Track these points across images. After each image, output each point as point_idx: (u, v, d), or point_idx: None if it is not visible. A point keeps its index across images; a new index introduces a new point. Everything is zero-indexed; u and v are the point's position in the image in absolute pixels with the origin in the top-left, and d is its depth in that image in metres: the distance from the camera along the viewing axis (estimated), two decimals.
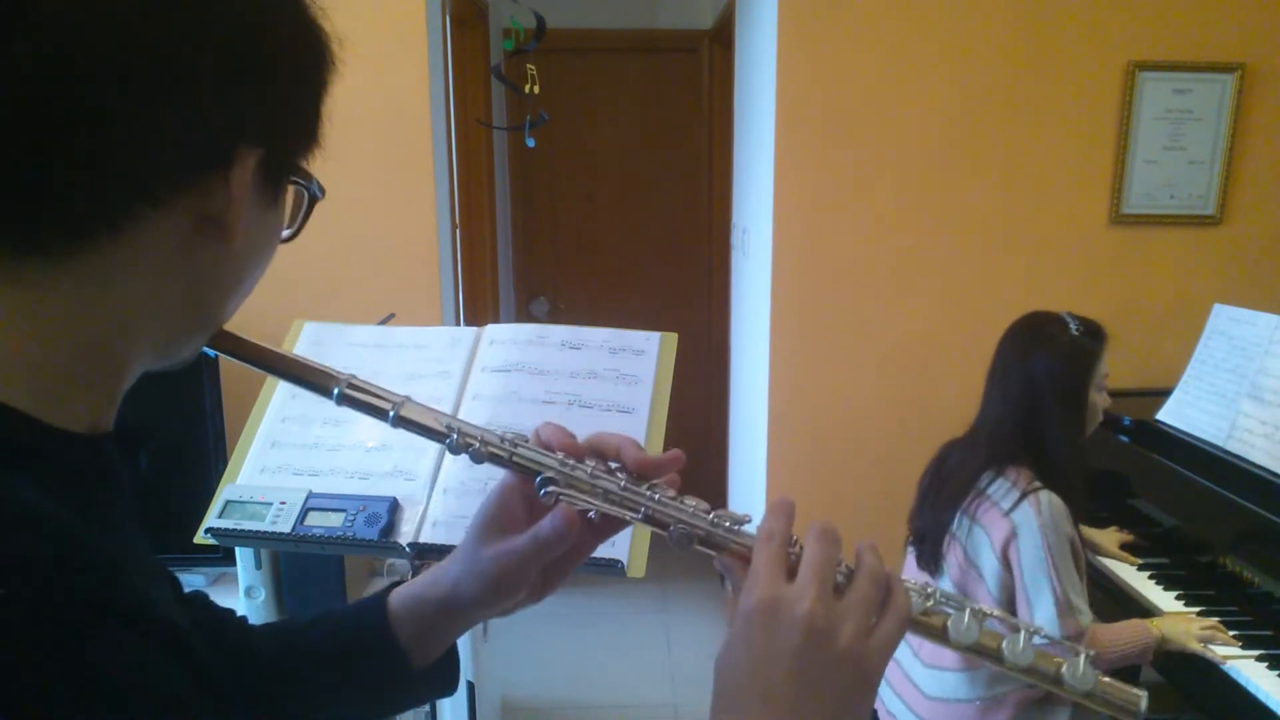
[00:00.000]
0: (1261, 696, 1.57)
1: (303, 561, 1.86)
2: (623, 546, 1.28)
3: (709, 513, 0.59)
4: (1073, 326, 1.73)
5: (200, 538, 1.37)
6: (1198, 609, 1.81)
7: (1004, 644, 0.56)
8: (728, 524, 0.59)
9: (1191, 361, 2.13)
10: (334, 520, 1.35)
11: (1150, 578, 1.94)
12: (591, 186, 4.02)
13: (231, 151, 0.47)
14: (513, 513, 0.64)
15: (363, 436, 1.43)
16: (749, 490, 2.94)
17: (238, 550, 1.88)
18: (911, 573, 1.87)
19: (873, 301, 2.55)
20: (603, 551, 1.28)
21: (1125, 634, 1.69)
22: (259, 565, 1.86)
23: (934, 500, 1.79)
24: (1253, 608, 1.76)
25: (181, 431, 2.12)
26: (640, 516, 0.59)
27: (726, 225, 3.55)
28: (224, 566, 1.96)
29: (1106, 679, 0.56)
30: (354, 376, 0.62)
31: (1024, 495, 1.64)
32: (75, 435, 0.47)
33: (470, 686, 2.23)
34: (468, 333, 1.51)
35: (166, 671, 0.40)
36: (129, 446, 2.14)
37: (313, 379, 0.61)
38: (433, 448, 1.41)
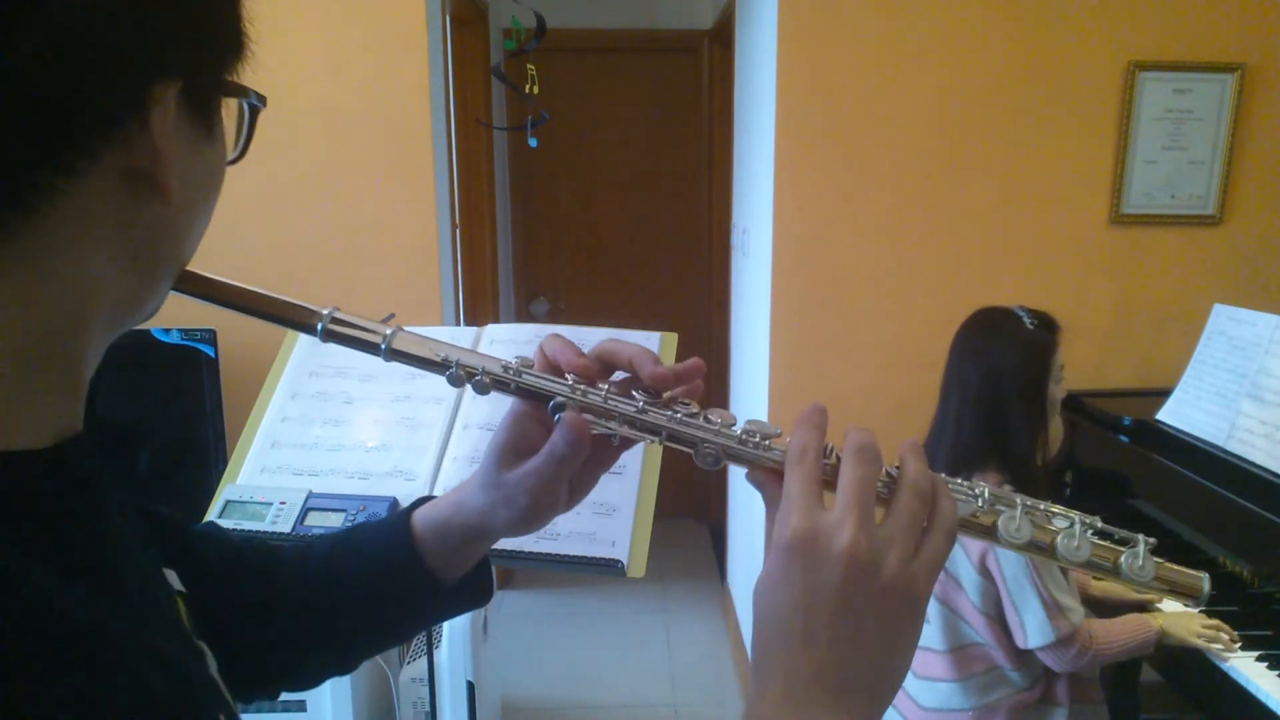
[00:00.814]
0: (1261, 696, 1.57)
1: None
2: (623, 547, 1.28)
3: (735, 427, 0.55)
4: (1026, 320, 1.71)
5: None
6: (1198, 609, 1.81)
7: (1059, 540, 0.53)
8: (758, 438, 0.55)
9: (1191, 361, 2.13)
10: (334, 520, 1.35)
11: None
12: (591, 186, 4.02)
13: (145, 92, 0.40)
14: (529, 439, 0.61)
15: (363, 436, 1.43)
16: (749, 490, 2.94)
17: None
18: None
19: (873, 301, 2.55)
20: (603, 551, 1.29)
21: (1126, 628, 1.68)
22: None
23: None
24: (1253, 608, 1.76)
25: (181, 431, 2.13)
26: (663, 439, 0.56)
27: (726, 225, 3.55)
28: None
29: (1166, 565, 0.54)
30: (337, 309, 0.57)
31: None
32: (39, 454, 0.41)
33: (470, 686, 2.24)
34: (468, 333, 1.51)
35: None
36: (129, 446, 2.15)
37: (293, 316, 0.56)
38: (433, 447, 1.41)
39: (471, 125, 3.21)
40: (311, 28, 2.32)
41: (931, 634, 1.73)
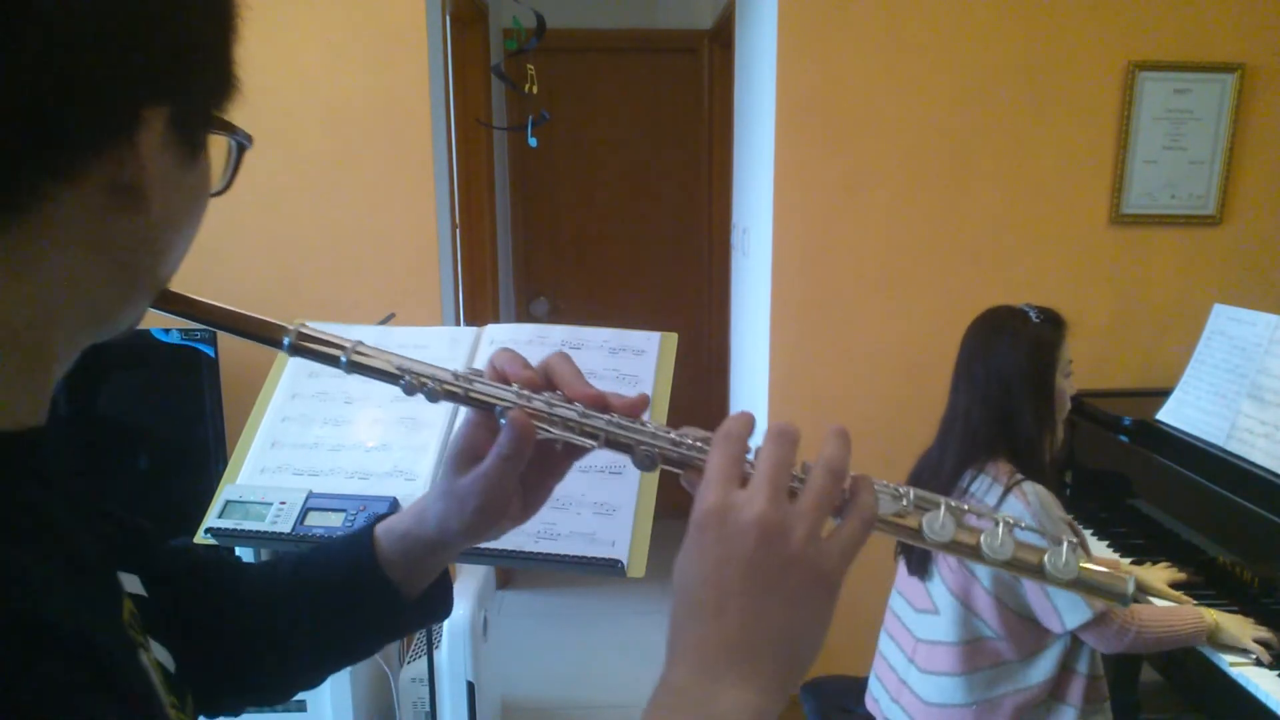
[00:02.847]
0: (1262, 697, 1.57)
1: None
2: (623, 547, 1.28)
3: (670, 433, 0.58)
4: (1032, 315, 1.75)
5: (200, 538, 1.37)
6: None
7: (982, 539, 0.55)
8: (691, 440, 0.57)
9: (1191, 361, 2.13)
10: (334, 520, 1.35)
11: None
12: (591, 186, 4.02)
13: (135, 114, 0.44)
14: (480, 446, 0.63)
15: (363, 436, 1.43)
16: None
17: (238, 550, 1.88)
18: (903, 580, 1.88)
19: (872, 301, 2.55)
20: (603, 551, 1.29)
21: (1177, 615, 1.70)
22: None
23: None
24: (1253, 608, 1.76)
25: (181, 431, 2.13)
26: (601, 442, 0.59)
27: (726, 225, 3.55)
28: None
29: (1090, 565, 0.55)
30: (305, 324, 0.61)
31: (1008, 489, 1.65)
32: None
33: (470, 686, 2.23)
34: (468, 333, 1.51)
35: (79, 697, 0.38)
36: (129, 446, 2.15)
37: (261, 331, 0.60)
38: (432, 447, 1.41)
39: (471, 125, 3.21)
40: (311, 28, 2.31)
41: (943, 627, 1.73)
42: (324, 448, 1.43)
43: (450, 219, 2.67)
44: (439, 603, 0.72)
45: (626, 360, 1.41)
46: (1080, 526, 1.72)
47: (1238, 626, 1.71)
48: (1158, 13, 2.41)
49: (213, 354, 2.07)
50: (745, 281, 3.04)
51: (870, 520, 0.53)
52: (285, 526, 1.35)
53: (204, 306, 0.58)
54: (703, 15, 3.85)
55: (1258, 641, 1.69)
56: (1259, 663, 1.65)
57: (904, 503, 0.55)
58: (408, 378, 0.61)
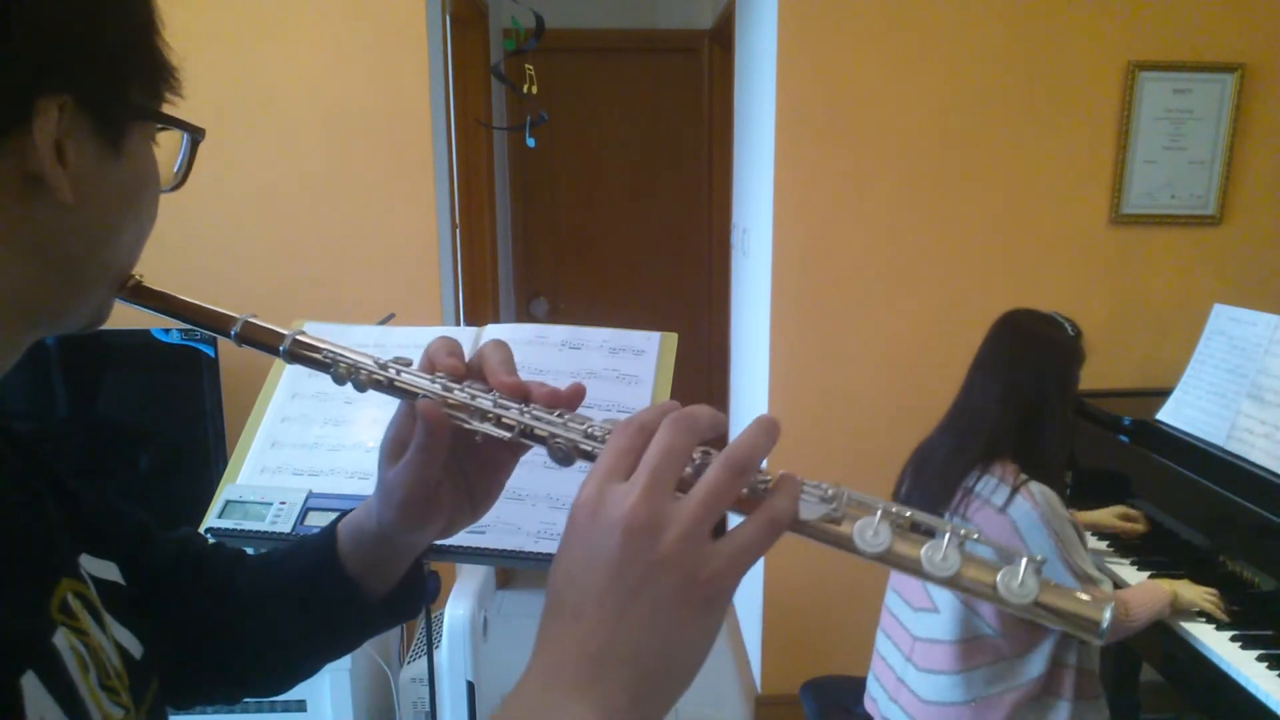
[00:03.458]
0: (1261, 696, 1.57)
1: None
2: None
3: (586, 424, 0.54)
4: (1069, 327, 1.78)
5: None
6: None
7: (923, 551, 0.46)
8: (600, 434, 0.53)
9: (1191, 361, 2.13)
10: None
11: (1151, 576, 1.94)
12: (591, 186, 4.02)
13: (28, 103, 0.43)
14: (408, 437, 0.61)
15: (363, 436, 1.43)
16: None
17: None
18: (898, 577, 1.88)
19: (873, 301, 2.55)
20: None
21: (1148, 595, 1.75)
22: None
23: (920, 500, 1.80)
24: (1253, 608, 1.76)
25: (181, 431, 2.13)
26: (516, 434, 0.56)
27: (726, 225, 3.55)
28: None
29: (1055, 586, 0.46)
30: (253, 316, 0.61)
31: (1015, 489, 1.67)
32: None
33: (470, 686, 2.23)
34: (468, 333, 1.51)
35: None
36: (129, 446, 2.15)
37: (210, 321, 0.61)
38: None
39: (471, 125, 3.21)
40: (311, 28, 2.31)
41: (941, 625, 1.73)
42: (324, 447, 1.43)
43: (450, 219, 2.67)
44: (405, 603, 0.70)
45: (626, 360, 1.41)
46: (1080, 525, 1.74)
47: (1191, 591, 1.78)
48: (1158, 13, 2.41)
49: (213, 354, 2.07)
50: (745, 281, 3.04)
51: (779, 524, 0.46)
52: (285, 526, 1.35)
53: (165, 299, 0.58)
54: (703, 15, 3.85)
55: (1209, 602, 1.76)
56: (1262, 660, 1.65)
57: (833, 506, 0.47)
58: (337, 367, 0.61)
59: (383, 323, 1.83)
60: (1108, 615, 0.45)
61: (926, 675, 1.76)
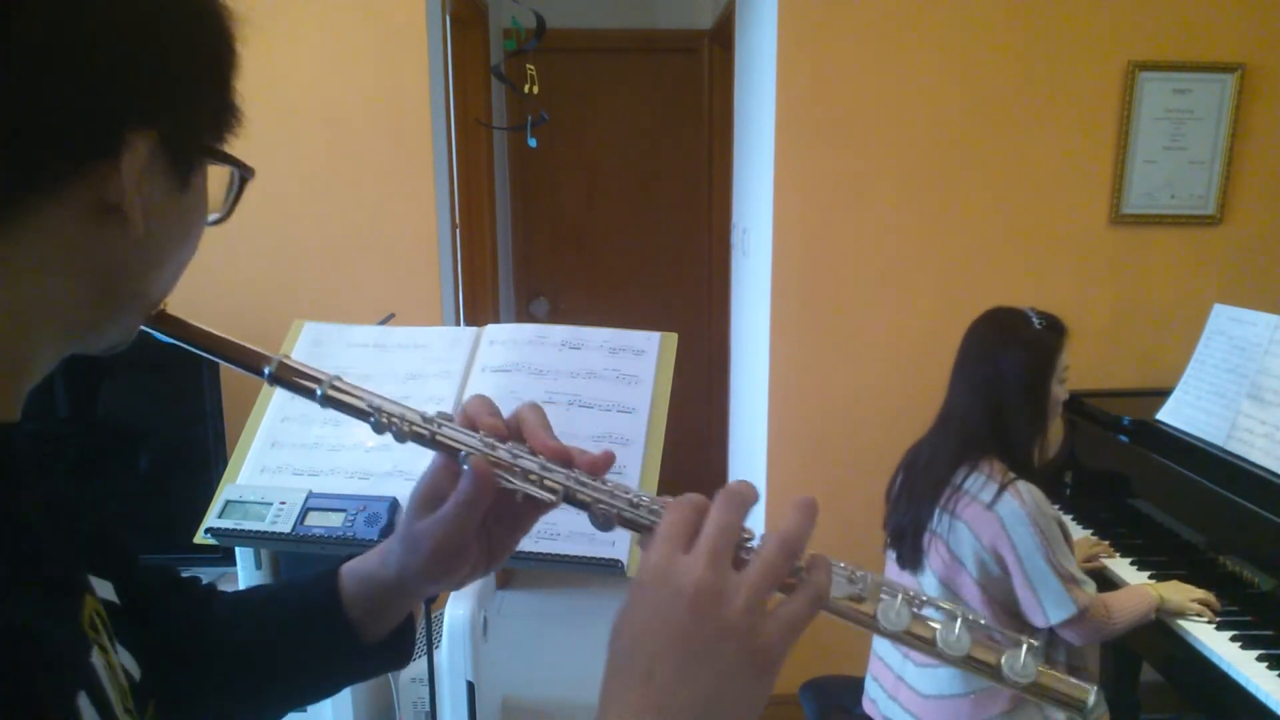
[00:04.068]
0: (1261, 696, 1.57)
1: (303, 562, 1.86)
2: (622, 546, 1.28)
3: (629, 494, 0.58)
4: (1035, 321, 1.78)
5: (200, 538, 1.37)
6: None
7: (938, 633, 0.52)
8: (649, 504, 0.57)
9: (1191, 361, 2.13)
10: (334, 520, 1.35)
11: (1150, 576, 1.94)
12: (591, 186, 4.02)
13: (119, 136, 0.45)
14: (442, 491, 0.63)
15: (363, 436, 1.43)
16: None
17: (238, 550, 1.88)
18: (893, 575, 1.88)
19: (873, 301, 2.55)
20: (603, 551, 1.29)
21: (1132, 599, 1.76)
22: (259, 565, 1.87)
23: (908, 498, 1.83)
24: (1253, 608, 1.76)
25: (181, 431, 2.13)
26: (560, 498, 0.59)
27: (726, 225, 3.55)
28: (224, 566, 1.96)
29: (1049, 671, 0.52)
30: (287, 356, 0.61)
31: (1003, 487, 1.68)
32: None
33: (470, 686, 2.23)
34: (468, 333, 1.51)
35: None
36: (129, 446, 2.15)
37: (244, 359, 0.61)
38: None
39: (472, 125, 3.21)
40: (311, 28, 2.31)
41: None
42: (324, 447, 1.43)
43: (450, 219, 2.67)
44: (399, 650, 0.72)
45: (626, 360, 1.41)
46: (1069, 525, 1.75)
47: (1177, 593, 1.78)
48: (1158, 13, 2.41)
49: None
50: (745, 281, 3.04)
51: (819, 600, 0.51)
52: (285, 526, 1.35)
53: (193, 330, 0.59)
54: (703, 15, 3.85)
55: (1198, 602, 1.76)
56: (1262, 660, 1.65)
57: (859, 587, 0.53)
58: (376, 415, 0.61)
59: (383, 322, 1.83)
60: (1093, 698, 0.52)
61: (925, 670, 1.77)
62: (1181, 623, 1.77)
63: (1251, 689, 1.59)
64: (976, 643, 0.53)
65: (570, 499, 0.58)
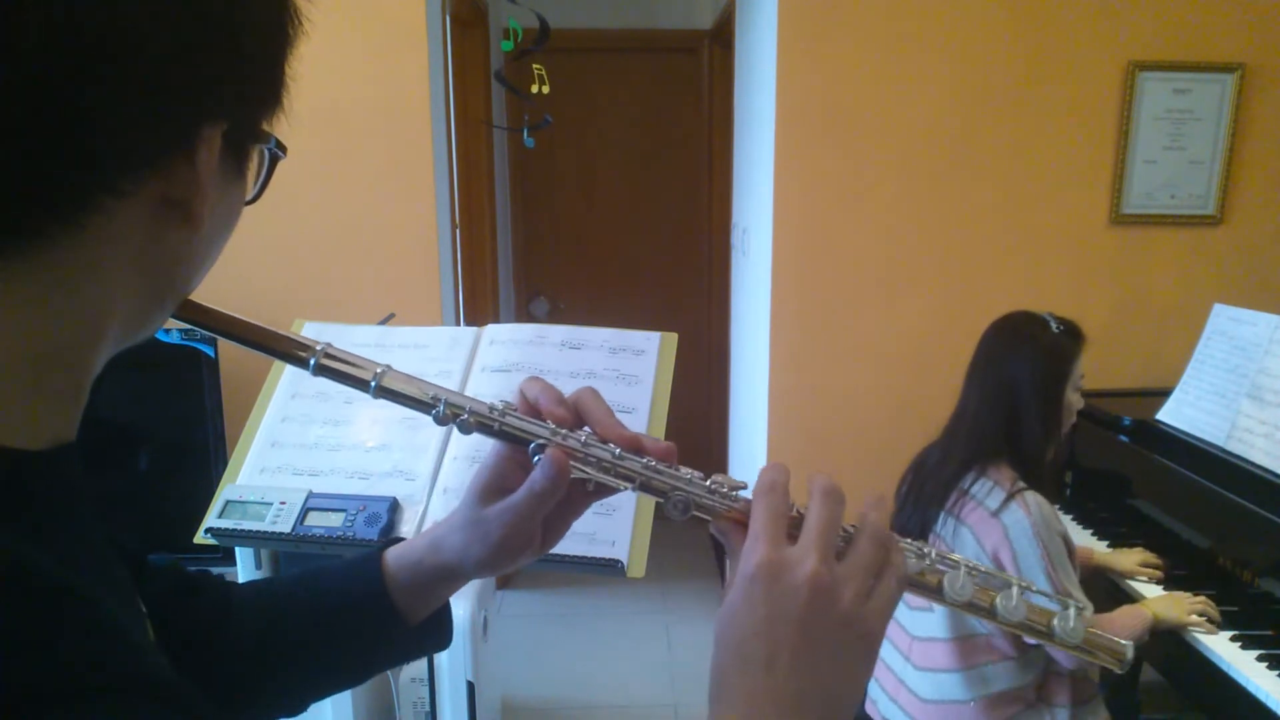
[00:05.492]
0: (1261, 696, 1.57)
1: (303, 562, 1.86)
2: (623, 547, 1.28)
3: (705, 479, 0.59)
4: (1053, 325, 1.77)
5: (200, 538, 1.37)
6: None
7: (998, 600, 0.57)
8: (725, 489, 0.58)
9: (1191, 361, 2.13)
10: (334, 520, 1.35)
11: (1150, 577, 1.94)
12: (591, 186, 4.02)
13: (196, 131, 0.43)
14: (508, 480, 0.63)
15: (363, 436, 1.43)
16: (748, 491, 2.94)
17: (238, 550, 1.88)
18: None
19: (873, 301, 2.55)
20: (603, 551, 1.29)
21: (1125, 621, 1.73)
22: (259, 565, 1.87)
23: (915, 500, 1.82)
24: (1253, 608, 1.76)
25: (181, 431, 2.13)
26: (635, 486, 0.59)
27: (726, 225, 3.55)
28: (224, 566, 1.96)
29: (1094, 630, 0.57)
30: (330, 345, 0.59)
31: (1011, 496, 1.67)
32: (34, 455, 0.42)
33: (470, 686, 2.23)
34: (468, 333, 1.51)
35: None
36: (129, 446, 2.15)
37: (286, 349, 0.58)
38: (433, 447, 1.41)
39: (472, 125, 3.21)
40: (312, 28, 2.31)
41: (935, 623, 1.74)
42: (324, 447, 1.43)
43: (450, 219, 2.67)
44: (437, 633, 0.72)
45: (626, 360, 1.41)
46: (1073, 525, 1.74)
47: (1172, 609, 1.76)
48: (1158, 13, 2.41)
49: (213, 354, 2.07)
50: (745, 281, 3.04)
51: (904, 580, 0.55)
52: (285, 526, 1.35)
53: (221, 317, 0.57)
54: (703, 15, 3.85)
55: (1195, 613, 1.74)
56: (1262, 660, 1.65)
57: (926, 562, 0.58)
58: (441, 406, 0.59)
59: (383, 323, 1.83)
60: (1129, 654, 0.58)
61: (925, 674, 1.77)
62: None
63: (1251, 689, 1.59)
64: (1031, 608, 0.57)
65: (646, 487, 0.59)
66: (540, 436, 0.59)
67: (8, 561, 0.36)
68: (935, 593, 0.57)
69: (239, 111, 0.46)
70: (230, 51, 0.44)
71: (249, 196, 0.53)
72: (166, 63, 0.41)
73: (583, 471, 0.59)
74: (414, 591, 0.68)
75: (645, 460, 0.59)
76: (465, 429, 0.60)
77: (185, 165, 0.43)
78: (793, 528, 0.54)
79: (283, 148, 0.53)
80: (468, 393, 1.44)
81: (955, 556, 0.58)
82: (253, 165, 0.51)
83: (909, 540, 0.58)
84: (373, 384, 0.59)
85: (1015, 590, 0.57)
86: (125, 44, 0.39)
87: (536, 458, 0.59)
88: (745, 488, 0.58)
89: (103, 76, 0.39)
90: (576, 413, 0.62)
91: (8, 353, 0.41)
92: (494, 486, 0.63)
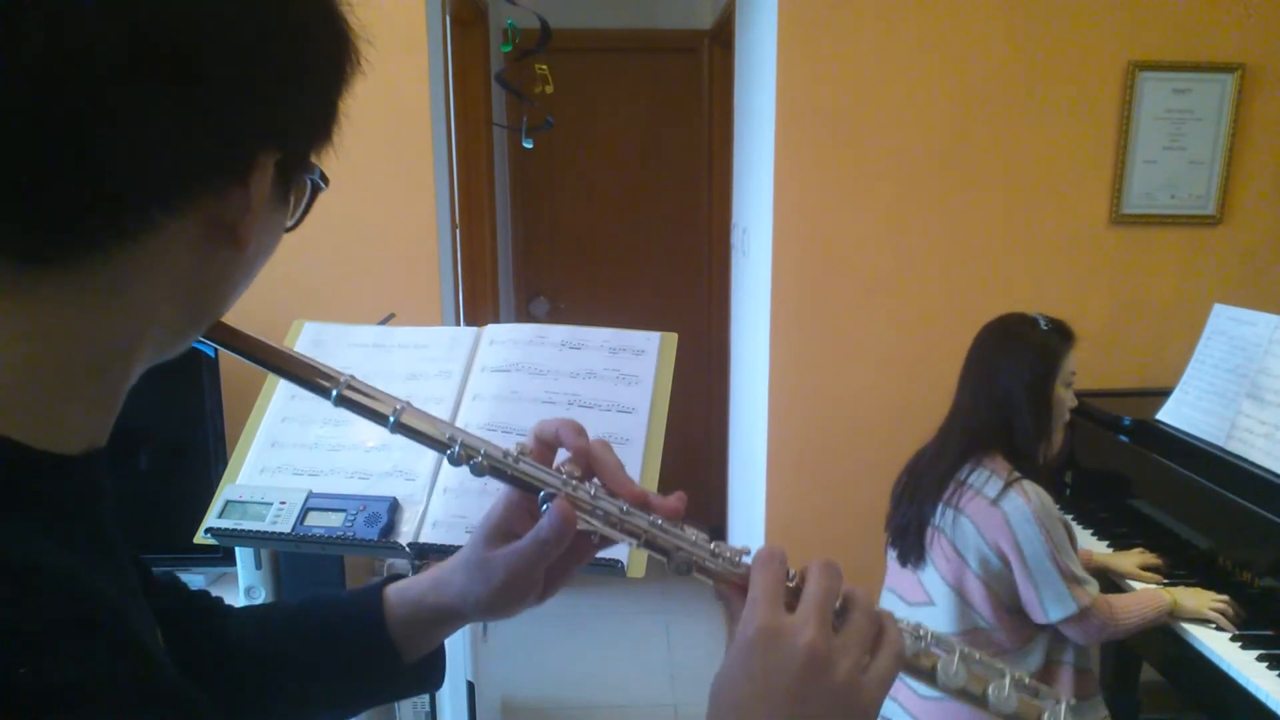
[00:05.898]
0: (1261, 696, 1.57)
1: (303, 562, 1.86)
2: (622, 547, 1.28)
3: (709, 543, 0.60)
4: (1041, 324, 1.80)
5: (200, 538, 1.37)
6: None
7: (990, 689, 0.58)
8: (728, 554, 0.59)
9: (1191, 361, 2.13)
10: (334, 520, 1.35)
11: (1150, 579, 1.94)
12: (591, 186, 4.02)
13: (252, 158, 0.45)
14: (515, 525, 0.64)
15: (363, 436, 1.43)
16: (749, 491, 2.94)
17: (238, 550, 1.88)
18: (894, 575, 1.89)
19: (872, 301, 2.55)
20: (602, 552, 1.28)
21: (1142, 601, 1.76)
22: (259, 565, 1.86)
23: (911, 495, 1.84)
24: (1253, 608, 1.76)
25: (181, 431, 2.12)
26: (640, 543, 0.60)
27: (726, 225, 3.55)
28: (224, 566, 1.96)
29: None
30: (353, 378, 0.60)
31: (1009, 484, 1.70)
32: (69, 459, 0.44)
33: (470, 686, 2.23)
34: (468, 333, 1.51)
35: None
36: (129, 446, 2.15)
37: (311, 378, 0.60)
38: None
39: (472, 125, 3.21)
40: None
41: (938, 618, 1.75)
42: (324, 447, 1.43)
43: (450, 219, 2.67)
44: (431, 673, 0.72)
45: (626, 360, 1.41)
46: (1073, 526, 1.76)
47: (1195, 599, 1.77)
48: (1158, 13, 2.41)
49: (213, 354, 2.07)
50: (745, 281, 3.04)
51: (901, 656, 0.56)
52: (285, 526, 1.35)
53: (252, 342, 0.59)
54: (703, 15, 3.85)
55: (1216, 610, 1.75)
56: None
57: (922, 644, 0.59)
58: (456, 447, 0.60)
59: (383, 323, 1.83)
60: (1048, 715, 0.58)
61: None
62: (1183, 624, 1.77)
63: (1251, 689, 1.59)
64: (1024, 703, 0.58)
65: (651, 544, 0.60)
66: (551, 486, 0.60)
67: (25, 563, 0.37)
68: (928, 676, 0.58)
69: (293, 142, 0.49)
70: (294, 87, 0.46)
71: (289, 223, 0.55)
72: (234, 94, 0.43)
73: (589, 524, 0.60)
74: (412, 628, 0.68)
75: (651, 518, 0.60)
76: (478, 471, 0.60)
77: (239, 189, 0.45)
78: (791, 597, 0.55)
79: (325, 179, 0.55)
80: (468, 393, 1.44)
81: (950, 640, 0.59)
82: (294, 193, 0.53)
83: (905, 620, 0.59)
84: (391, 419, 0.60)
85: (1008, 681, 0.58)
86: (198, 74, 0.41)
87: (545, 506, 0.60)
88: (748, 553, 0.59)
89: (175, 103, 0.41)
90: (585, 461, 0.63)
91: (53, 358, 0.42)
92: (502, 530, 0.64)
